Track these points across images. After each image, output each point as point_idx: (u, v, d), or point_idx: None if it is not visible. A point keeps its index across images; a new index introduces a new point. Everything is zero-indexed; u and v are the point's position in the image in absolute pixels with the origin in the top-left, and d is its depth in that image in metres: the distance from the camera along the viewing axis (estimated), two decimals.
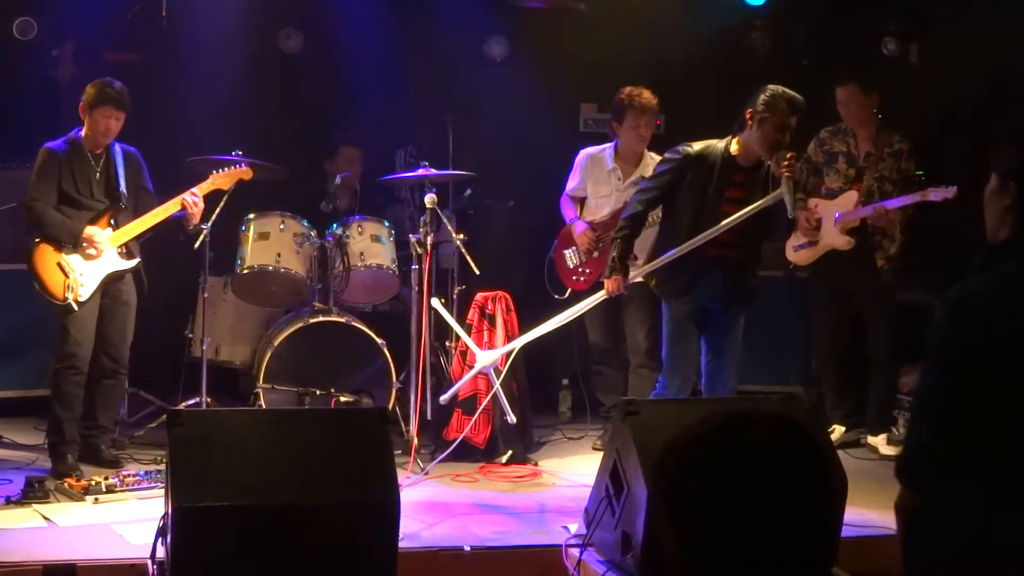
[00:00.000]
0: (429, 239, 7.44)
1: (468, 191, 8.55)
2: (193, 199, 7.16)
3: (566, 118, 9.56)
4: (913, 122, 8.15)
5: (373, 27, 9.07)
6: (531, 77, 9.31)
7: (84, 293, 6.95)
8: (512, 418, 7.19)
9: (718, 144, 6.51)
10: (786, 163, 6.29)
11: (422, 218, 7.55)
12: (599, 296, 6.77)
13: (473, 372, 7.19)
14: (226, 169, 7.45)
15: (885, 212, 7.53)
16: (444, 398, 7.25)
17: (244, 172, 7.50)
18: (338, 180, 8.38)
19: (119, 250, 7.09)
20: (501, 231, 9.19)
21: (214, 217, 7.48)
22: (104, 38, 8.91)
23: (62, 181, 6.99)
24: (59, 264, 6.95)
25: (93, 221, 7.04)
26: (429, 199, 7.47)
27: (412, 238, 7.55)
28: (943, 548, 3.42)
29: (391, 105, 9.17)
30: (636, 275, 6.62)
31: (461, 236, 7.71)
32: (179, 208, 7.16)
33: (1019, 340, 3.32)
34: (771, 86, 6.42)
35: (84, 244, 6.96)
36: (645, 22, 9.27)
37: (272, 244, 7.81)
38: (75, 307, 6.92)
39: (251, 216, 7.89)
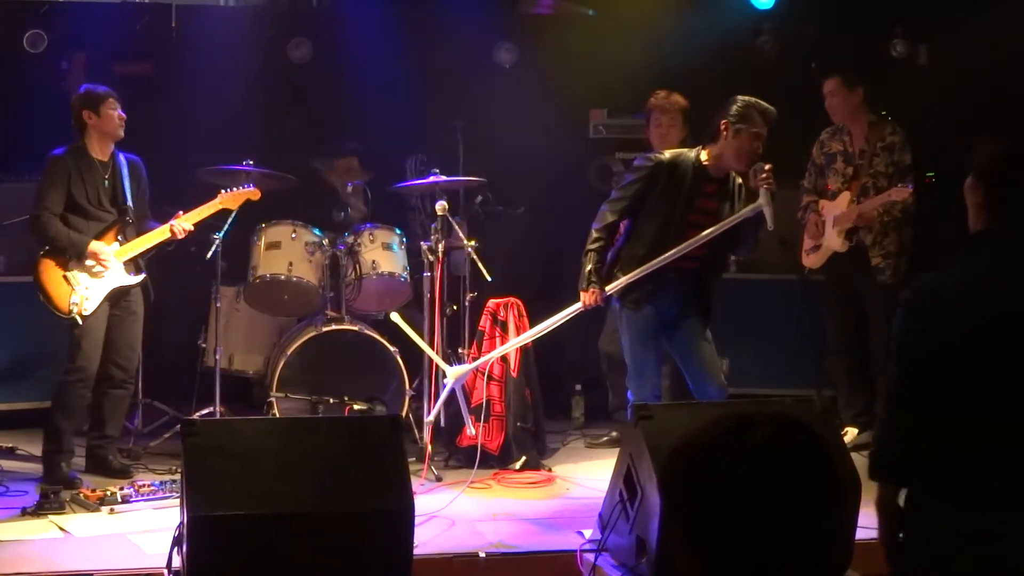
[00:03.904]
0: (440, 246, 7.45)
1: (478, 198, 8.56)
2: (183, 227, 7.13)
3: (576, 124, 9.56)
4: (923, 123, 8.15)
5: (382, 35, 9.08)
6: (540, 83, 9.30)
7: (89, 307, 6.94)
8: (472, 430, 7.21)
9: (689, 153, 6.50)
10: (764, 175, 6.29)
11: (433, 225, 7.57)
12: (575, 308, 6.65)
13: (446, 392, 7.15)
14: (234, 190, 7.41)
15: (860, 215, 7.69)
16: (429, 420, 7.26)
17: (252, 193, 7.46)
18: (349, 188, 8.40)
19: (125, 265, 7.09)
20: (512, 237, 9.18)
21: (226, 227, 7.50)
22: (114, 49, 8.93)
23: (72, 190, 6.98)
24: (65, 277, 6.95)
25: (101, 235, 7.04)
26: (440, 206, 7.48)
27: (424, 245, 7.56)
28: (923, 548, 3.43)
29: (401, 113, 9.17)
30: (614, 287, 6.54)
31: (472, 243, 7.72)
32: (169, 234, 7.14)
33: (976, 336, 3.33)
34: (742, 97, 6.41)
35: (90, 260, 6.97)
36: (653, 27, 9.27)
37: (284, 253, 7.83)
38: (79, 321, 6.92)
39: (263, 225, 7.91)
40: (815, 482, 2.12)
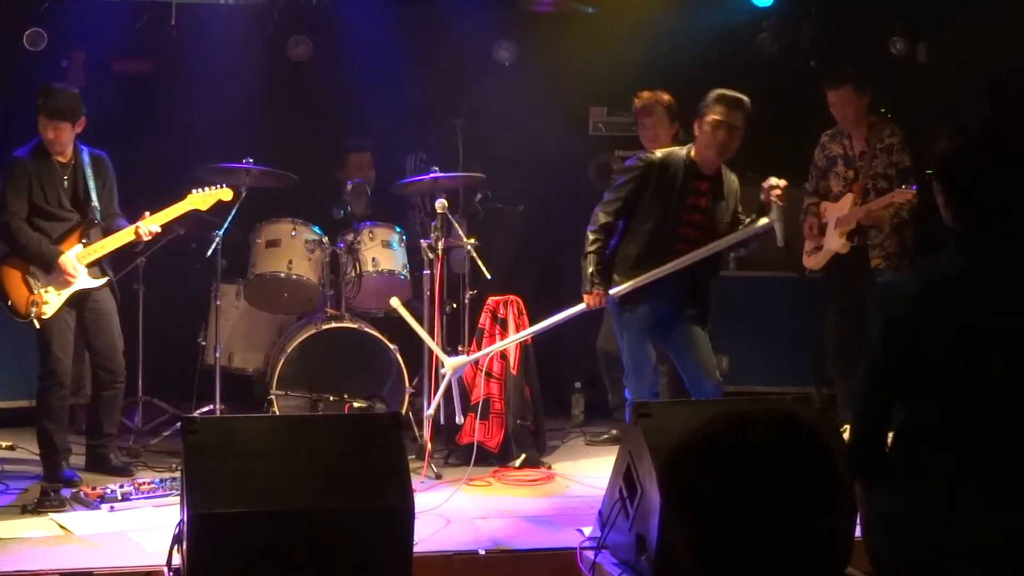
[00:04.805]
0: (440, 244, 7.45)
1: (478, 195, 8.56)
2: (148, 229, 7.04)
3: (575, 121, 9.56)
4: (921, 121, 8.15)
5: (382, 33, 9.07)
6: (540, 81, 9.31)
7: (48, 311, 6.91)
8: (460, 419, 7.26)
9: (680, 151, 6.57)
10: (778, 192, 6.35)
11: (433, 223, 7.58)
12: (579, 308, 6.71)
13: (444, 384, 7.17)
14: (205, 189, 7.35)
15: (868, 214, 7.70)
16: (428, 413, 7.26)
17: (223, 193, 7.39)
18: (349, 186, 8.39)
19: (89, 268, 7.02)
20: (512, 235, 9.19)
21: (226, 225, 7.50)
22: (114, 47, 8.94)
23: (32, 192, 6.93)
24: (25, 280, 6.92)
25: (64, 237, 6.99)
26: (440, 204, 7.48)
27: (423, 243, 7.56)
28: (889, 542, 3.44)
29: (401, 111, 9.18)
30: (619, 291, 6.55)
31: (472, 241, 7.72)
32: (134, 236, 7.06)
33: (942, 336, 3.34)
34: (714, 90, 6.46)
35: (58, 272, 6.92)
36: (652, 25, 9.27)
37: (284, 251, 7.83)
38: (36, 324, 6.90)
39: (262, 223, 7.92)
40: (814, 479, 2.12)
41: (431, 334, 7.44)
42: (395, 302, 7.34)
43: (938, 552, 3.32)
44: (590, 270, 6.51)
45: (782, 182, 6.38)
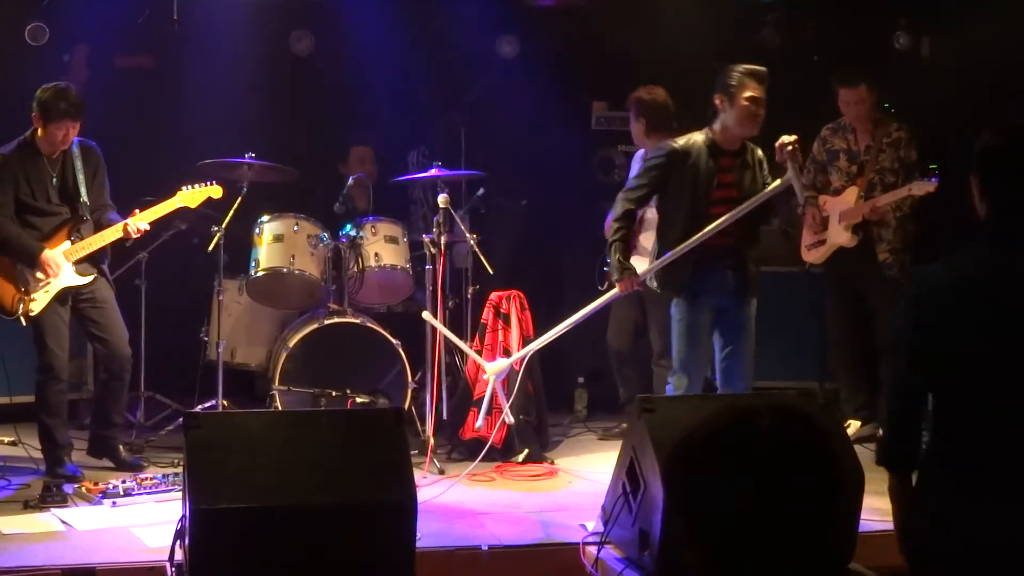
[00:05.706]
0: (443, 239, 7.45)
1: (480, 190, 8.56)
2: (137, 227, 6.97)
3: (578, 116, 9.55)
4: (925, 116, 8.14)
5: (384, 27, 9.08)
6: (542, 75, 9.30)
7: (35, 307, 6.87)
8: (510, 419, 7.24)
9: (698, 135, 6.58)
10: (790, 149, 6.36)
11: (435, 218, 7.57)
12: (612, 294, 6.77)
13: (489, 390, 7.18)
14: (195, 186, 7.29)
15: (873, 209, 7.60)
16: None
17: (213, 190, 7.33)
18: (351, 181, 8.39)
19: (76, 265, 6.96)
20: (514, 230, 9.18)
21: (227, 220, 7.49)
22: (116, 42, 8.93)
23: (18, 189, 6.88)
24: (11, 276, 6.88)
25: (52, 233, 6.93)
26: (442, 199, 7.49)
27: (426, 238, 7.56)
28: (931, 536, 3.43)
29: (403, 105, 9.18)
30: (648, 271, 6.61)
31: (475, 236, 7.71)
32: (123, 234, 6.99)
33: (976, 328, 3.34)
34: (729, 67, 6.49)
35: (41, 268, 6.87)
36: (655, 19, 9.26)
37: (286, 246, 7.82)
38: (23, 321, 6.87)
39: (265, 218, 7.91)
40: (818, 474, 2.11)
41: (434, 330, 7.43)
42: (427, 316, 7.32)
43: (983, 549, 3.30)
44: (617, 256, 6.55)
45: (793, 137, 6.41)
